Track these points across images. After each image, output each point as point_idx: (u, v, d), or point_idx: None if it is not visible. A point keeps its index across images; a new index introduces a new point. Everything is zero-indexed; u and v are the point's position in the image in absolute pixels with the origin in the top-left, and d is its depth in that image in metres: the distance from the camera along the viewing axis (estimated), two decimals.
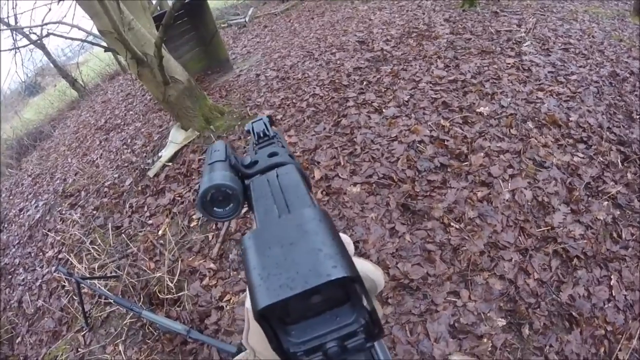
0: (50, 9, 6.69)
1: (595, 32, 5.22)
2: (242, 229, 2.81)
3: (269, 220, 0.36)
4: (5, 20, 6.26)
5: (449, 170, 2.53)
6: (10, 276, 3.88)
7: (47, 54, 9.24)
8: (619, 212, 2.47)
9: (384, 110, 3.23)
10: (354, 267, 0.26)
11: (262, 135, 0.57)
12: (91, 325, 2.57)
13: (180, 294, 2.43)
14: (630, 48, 4.85)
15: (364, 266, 0.34)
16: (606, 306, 2.01)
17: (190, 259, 2.70)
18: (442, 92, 3.34)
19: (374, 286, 0.35)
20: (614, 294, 2.06)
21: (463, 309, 1.84)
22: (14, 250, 4.24)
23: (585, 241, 2.19)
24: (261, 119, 0.60)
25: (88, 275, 2.75)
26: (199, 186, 0.41)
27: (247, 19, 9.37)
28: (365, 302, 0.28)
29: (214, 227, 2.94)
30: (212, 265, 2.59)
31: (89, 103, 9.03)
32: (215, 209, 0.41)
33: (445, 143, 2.70)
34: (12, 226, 4.83)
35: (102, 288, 2.60)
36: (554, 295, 1.95)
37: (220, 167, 0.44)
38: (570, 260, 2.10)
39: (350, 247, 0.33)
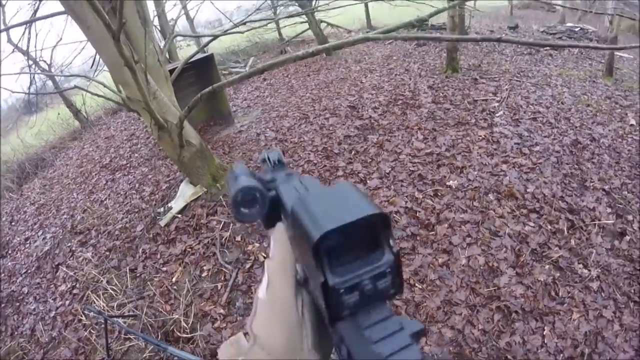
0: (61, 39, 7.54)
1: (565, 97, 6.18)
2: (247, 282, 3.57)
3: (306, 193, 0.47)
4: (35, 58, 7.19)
5: (418, 238, 3.37)
6: (18, 304, 4.46)
7: (55, 85, 10.18)
8: (559, 274, 3.27)
9: (368, 181, 4.11)
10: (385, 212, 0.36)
11: (277, 162, 0.63)
12: (112, 356, 3.25)
13: (194, 334, 3.17)
14: (596, 113, 5.79)
15: None
16: (539, 351, 2.78)
17: (202, 304, 3.45)
18: (419, 165, 4.23)
19: None
20: (546, 342, 2.83)
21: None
22: (21, 278, 4.85)
23: (524, 299, 2.98)
24: (275, 150, 0.67)
25: (114, 314, 3.47)
26: (229, 192, 0.48)
27: (247, 69, 10.48)
28: (392, 243, 0.37)
29: (222, 278, 3.69)
30: (222, 311, 3.33)
31: (91, 136, 9.85)
32: (242, 209, 0.46)
33: (417, 215, 3.56)
34: (18, 254, 5.47)
35: (122, 324, 3.29)
36: (494, 342, 2.73)
37: (246, 175, 0.50)
38: (510, 315, 2.88)
39: None
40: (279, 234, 0.47)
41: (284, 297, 0.43)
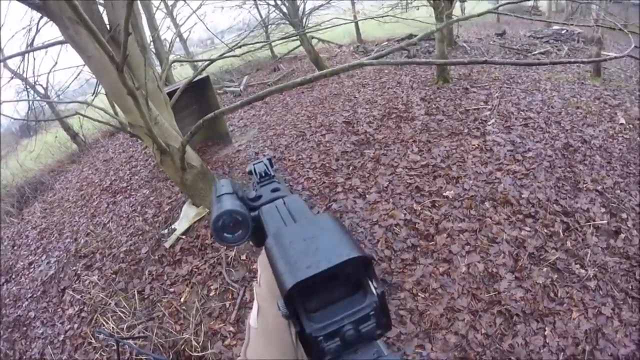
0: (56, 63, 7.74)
1: (555, 101, 6.36)
2: None
3: (286, 226, 0.47)
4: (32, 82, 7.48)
5: (418, 249, 3.53)
6: (25, 328, 4.55)
7: (53, 110, 10.38)
8: (557, 276, 3.41)
9: (367, 195, 4.27)
10: (366, 252, 0.34)
11: (263, 175, 0.64)
12: None
13: (205, 352, 3.29)
14: (586, 115, 5.96)
15: None
16: (541, 351, 2.91)
17: (212, 323, 3.57)
18: (415, 177, 4.40)
19: None
20: (548, 342, 2.96)
21: (427, 358, 2.75)
22: (27, 303, 4.95)
23: (524, 302, 3.12)
24: (262, 160, 0.69)
25: (125, 336, 3.59)
26: (211, 215, 0.47)
27: (241, 88, 10.75)
28: (375, 285, 0.36)
29: (230, 296, 3.81)
30: (231, 329, 3.46)
31: (89, 159, 10.00)
32: (225, 234, 0.48)
33: (416, 226, 3.73)
34: (23, 279, 5.56)
35: (134, 346, 3.42)
36: (497, 345, 2.86)
37: (229, 197, 0.51)
38: (511, 318, 3.02)
39: None
40: (265, 259, 0.47)
41: (275, 325, 0.43)
